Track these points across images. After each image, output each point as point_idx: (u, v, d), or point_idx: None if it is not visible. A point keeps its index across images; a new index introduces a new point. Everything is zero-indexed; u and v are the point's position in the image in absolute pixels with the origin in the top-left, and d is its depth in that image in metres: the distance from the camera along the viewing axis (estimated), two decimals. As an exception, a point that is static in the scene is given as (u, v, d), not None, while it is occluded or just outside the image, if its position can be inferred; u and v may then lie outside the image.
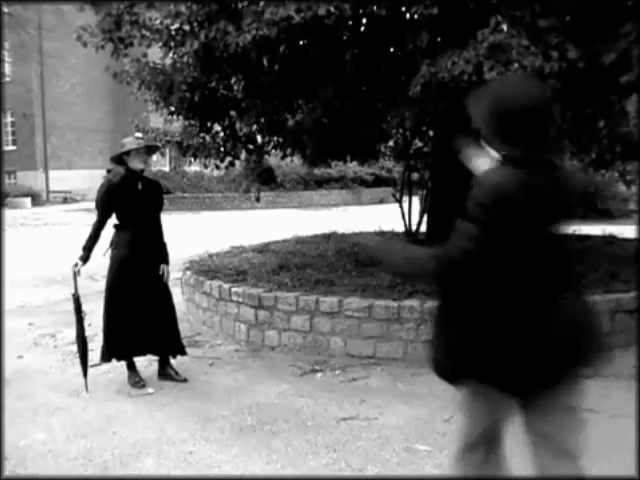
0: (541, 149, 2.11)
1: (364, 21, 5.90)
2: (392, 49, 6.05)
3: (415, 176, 8.70)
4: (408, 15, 5.48)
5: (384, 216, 11.15)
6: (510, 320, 2.05)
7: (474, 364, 2.09)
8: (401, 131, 8.48)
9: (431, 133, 8.32)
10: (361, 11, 5.48)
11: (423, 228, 7.90)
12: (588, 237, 8.83)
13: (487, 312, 2.07)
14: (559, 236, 2.19)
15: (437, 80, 4.80)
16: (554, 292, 2.11)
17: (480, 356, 2.06)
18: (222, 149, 7.21)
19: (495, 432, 2.27)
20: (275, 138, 7.49)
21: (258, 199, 8.28)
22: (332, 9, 4.92)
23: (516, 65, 4.56)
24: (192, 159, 7.45)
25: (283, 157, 8.07)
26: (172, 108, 6.75)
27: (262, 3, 5.18)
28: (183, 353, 4.92)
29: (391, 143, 8.91)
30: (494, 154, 2.16)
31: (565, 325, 2.09)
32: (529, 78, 2.30)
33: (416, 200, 8.58)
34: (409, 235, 7.99)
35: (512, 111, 2.07)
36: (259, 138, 7.47)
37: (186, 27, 5.83)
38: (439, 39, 5.27)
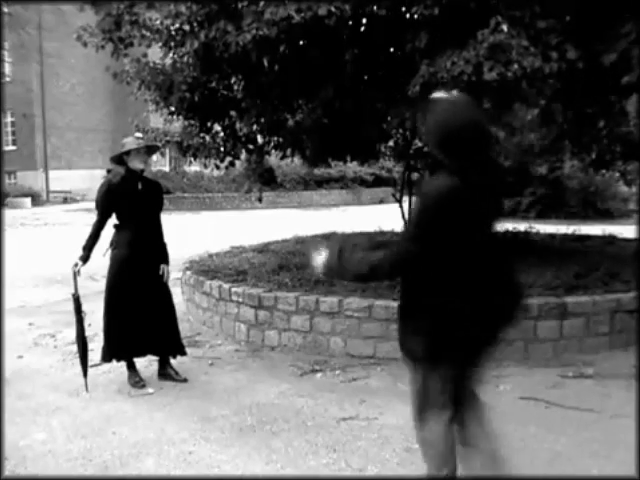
0: (474, 159, 2.48)
1: (364, 21, 5.90)
2: (392, 49, 6.05)
3: (415, 176, 8.69)
4: (408, 15, 5.48)
5: (384, 216, 11.15)
6: (451, 309, 2.43)
7: (427, 346, 2.49)
8: (401, 131, 8.47)
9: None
10: (361, 11, 5.47)
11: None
12: (588, 237, 8.83)
13: (432, 302, 2.46)
14: (492, 232, 2.61)
15: (436, 80, 4.80)
16: (488, 281, 2.50)
17: (431, 338, 2.48)
18: (222, 149, 7.20)
19: (445, 397, 2.58)
20: (275, 138, 7.48)
21: (260, 199, 8.32)
22: (333, 9, 4.92)
23: (516, 66, 4.56)
24: (192, 159, 7.44)
25: (283, 157, 8.07)
26: (172, 108, 6.74)
27: (262, 3, 5.18)
28: (183, 353, 4.92)
29: (391, 143, 8.90)
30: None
31: (491, 312, 2.50)
32: (467, 100, 2.64)
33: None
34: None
35: (449, 128, 2.47)
36: (259, 138, 7.46)
37: (186, 27, 5.83)
38: (438, 39, 5.26)
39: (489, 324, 2.53)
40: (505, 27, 4.68)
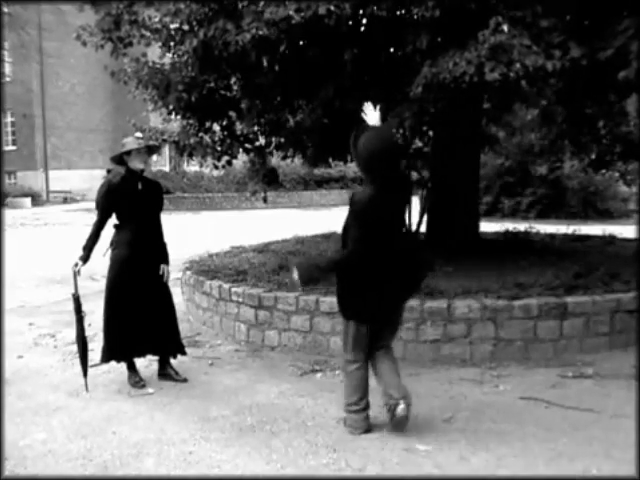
0: (388, 175, 3.44)
1: (364, 22, 5.90)
2: (392, 49, 6.04)
3: (415, 176, 8.69)
4: (408, 16, 5.47)
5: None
6: (369, 287, 3.51)
7: (357, 311, 3.60)
8: (401, 131, 8.47)
9: (431, 133, 8.32)
10: (361, 11, 5.47)
11: (423, 228, 7.90)
12: (588, 237, 8.82)
13: (360, 281, 3.52)
14: (401, 231, 3.66)
15: (438, 81, 4.79)
16: (398, 268, 3.56)
17: (357, 307, 3.59)
18: (219, 148, 7.19)
19: (366, 348, 3.70)
20: (276, 138, 7.48)
21: (265, 200, 8.33)
22: (332, 7, 4.91)
23: (518, 65, 4.54)
24: (189, 158, 7.43)
25: (285, 157, 8.07)
26: (170, 107, 6.73)
27: (262, 3, 5.17)
28: (183, 353, 4.92)
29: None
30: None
31: (397, 289, 3.61)
32: (385, 132, 3.71)
33: (416, 200, 8.57)
34: (409, 235, 7.98)
35: (369, 154, 3.43)
36: (261, 139, 7.46)
37: (185, 26, 5.82)
38: (439, 40, 5.26)
39: (394, 298, 3.64)
40: (505, 27, 4.68)
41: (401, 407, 3.57)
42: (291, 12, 4.91)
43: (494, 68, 4.56)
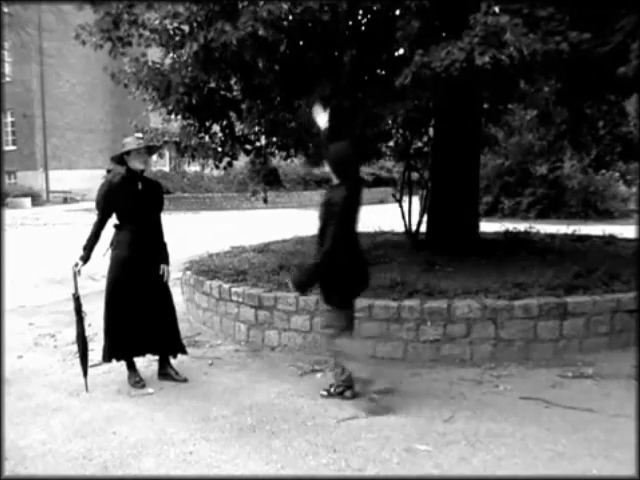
0: (352, 178, 4.21)
1: (360, 19, 5.90)
2: (388, 48, 6.02)
3: (415, 176, 8.69)
4: (400, 8, 5.44)
5: (384, 216, 11.15)
6: (343, 273, 4.13)
7: (338, 299, 4.21)
8: (401, 131, 8.47)
9: (431, 133, 8.32)
10: (356, 7, 5.46)
11: (423, 228, 7.90)
12: (588, 237, 8.82)
13: (341, 271, 4.11)
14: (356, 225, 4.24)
15: (429, 68, 4.71)
16: (359, 256, 4.30)
17: (340, 296, 4.21)
18: (220, 149, 7.18)
19: (348, 324, 4.30)
20: (277, 139, 7.47)
21: (265, 200, 8.30)
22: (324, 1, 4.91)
23: (511, 48, 4.44)
24: (190, 159, 7.43)
25: (286, 158, 8.07)
26: (170, 108, 6.73)
27: (261, 3, 5.17)
28: (184, 352, 4.92)
29: (391, 143, 8.91)
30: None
31: (360, 272, 4.28)
32: (348, 145, 4.31)
33: (416, 200, 8.57)
34: (409, 235, 7.99)
35: (339, 159, 4.22)
36: (262, 139, 7.45)
37: (185, 27, 5.81)
38: (431, 29, 5.20)
39: (357, 286, 4.29)
40: (497, 9, 4.60)
41: (349, 392, 4.32)
42: (284, 6, 4.89)
43: (484, 52, 4.47)
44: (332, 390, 4.38)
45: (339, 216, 4.04)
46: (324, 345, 4.57)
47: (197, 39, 5.43)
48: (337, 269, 4.08)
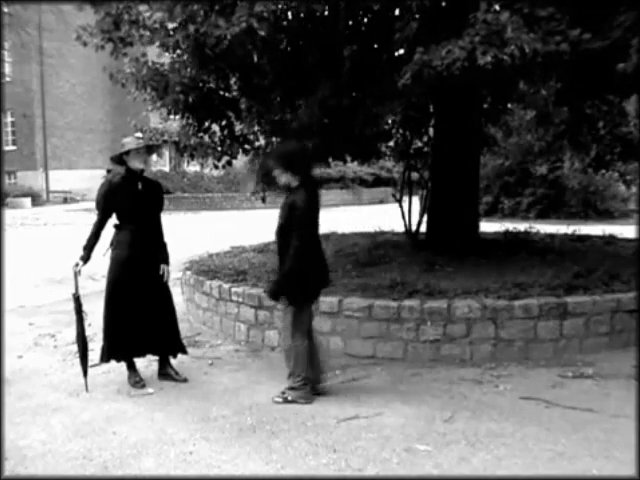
0: (310, 174, 4.29)
1: (360, 18, 5.88)
2: (386, 44, 6.01)
3: (415, 176, 8.69)
4: (399, 9, 5.44)
5: (384, 216, 11.15)
6: (308, 276, 4.19)
7: (298, 298, 4.24)
8: (401, 131, 8.47)
9: (431, 133, 8.31)
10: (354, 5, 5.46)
11: (423, 228, 7.90)
12: (588, 237, 8.82)
13: (304, 270, 4.14)
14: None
15: (430, 67, 4.70)
16: (321, 257, 4.40)
17: (301, 295, 4.25)
18: (219, 149, 7.18)
19: (306, 324, 4.35)
20: (276, 139, 7.46)
21: (264, 199, 8.29)
22: None
23: (512, 47, 4.44)
24: (190, 159, 7.42)
25: None
26: (169, 107, 6.72)
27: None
28: (184, 352, 4.92)
29: (391, 143, 8.90)
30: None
31: (322, 272, 4.40)
32: (305, 146, 4.56)
33: (416, 200, 8.57)
34: (409, 235, 7.98)
35: (283, 155, 4.28)
36: (261, 139, 7.44)
37: (179, 19, 5.78)
38: (432, 28, 5.21)
39: (320, 285, 4.40)
40: (497, 6, 4.60)
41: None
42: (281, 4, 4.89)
43: (486, 51, 4.46)
44: (295, 385, 4.35)
45: (302, 221, 4.09)
46: (283, 345, 4.62)
47: (187, 29, 5.40)
48: (302, 272, 4.13)
